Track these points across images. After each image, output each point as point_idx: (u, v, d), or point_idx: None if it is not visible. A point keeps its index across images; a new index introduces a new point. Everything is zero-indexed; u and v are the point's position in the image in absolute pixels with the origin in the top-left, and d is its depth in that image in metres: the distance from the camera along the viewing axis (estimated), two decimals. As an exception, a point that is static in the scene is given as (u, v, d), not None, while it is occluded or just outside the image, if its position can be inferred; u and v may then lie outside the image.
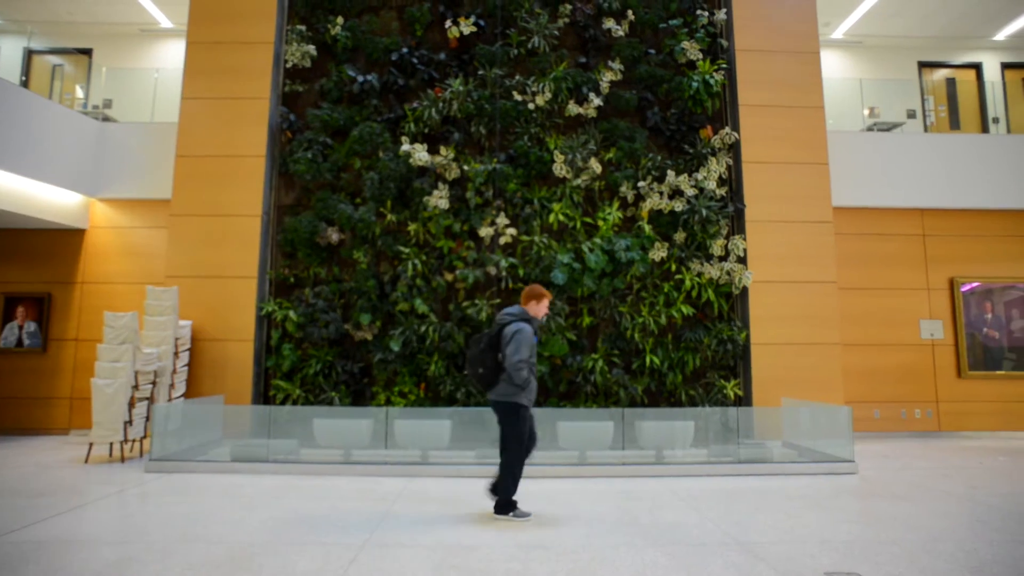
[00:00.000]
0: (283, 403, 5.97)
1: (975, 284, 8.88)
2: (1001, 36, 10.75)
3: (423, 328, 5.96)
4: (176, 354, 5.73)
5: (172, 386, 5.67)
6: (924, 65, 10.81)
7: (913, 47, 10.74)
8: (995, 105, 10.53)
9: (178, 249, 6.20)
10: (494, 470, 3.75)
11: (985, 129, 10.34)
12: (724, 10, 6.74)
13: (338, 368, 6.05)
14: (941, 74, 10.92)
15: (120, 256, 7.15)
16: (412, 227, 6.20)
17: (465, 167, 6.26)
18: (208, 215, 6.23)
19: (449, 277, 6.17)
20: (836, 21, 10.14)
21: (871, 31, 10.40)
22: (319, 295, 6.12)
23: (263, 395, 6.08)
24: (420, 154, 6.15)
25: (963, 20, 10.29)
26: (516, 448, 3.70)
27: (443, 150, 6.27)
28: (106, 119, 7.65)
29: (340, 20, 6.53)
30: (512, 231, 6.14)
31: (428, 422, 5.42)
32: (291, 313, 6.00)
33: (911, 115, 9.84)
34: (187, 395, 5.92)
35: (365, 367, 6.17)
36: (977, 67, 10.96)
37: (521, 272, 6.11)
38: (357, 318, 6.04)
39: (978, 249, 8.94)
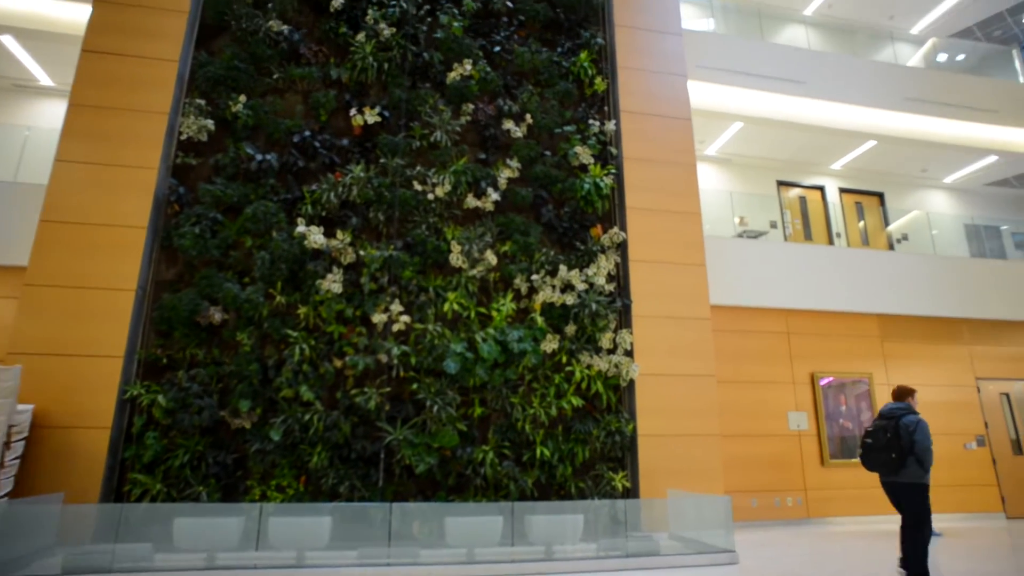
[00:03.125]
0: (139, 500, 5.32)
1: (831, 379, 9.80)
2: (837, 166, 12.63)
3: (307, 416, 5.64)
4: (7, 444, 5.00)
5: None
6: (781, 183, 12.37)
7: (772, 167, 12.29)
8: (837, 222, 12.17)
9: (29, 323, 5.56)
10: (376, 571, 3.52)
11: (831, 241, 11.85)
12: (613, 121, 7.39)
13: (209, 459, 5.53)
14: (795, 192, 12.52)
15: (-45, 328, 6.30)
16: (302, 310, 5.99)
17: (361, 252, 6.22)
18: (71, 286, 5.69)
19: (338, 363, 5.95)
20: (710, 140, 11.44)
21: (738, 151, 11.82)
22: (194, 378, 5.67)
23: (115, 491, 5.39)
24: (316, 236, 6.06)
25: (807, 150, 12.01)
26: (925, 524, 4.38)
27: (340, 234, 6.22)
28: (-42, 176, 6.95)
29: (243, 98, 6.48)
30: (406, 319, 6.10)
31: (306, 519, 5.02)
32: (160, 398, 5.48)
33: (773, 225, 11.11)
34: (15, 494, 5.11)
35: (240, 458, 5.69)
36: (822, 189, 12.69)
37: (413, 360, 6.01)
38: (236, 404, 5.62)
39: (832, 347, 9.95)
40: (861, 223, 12.80)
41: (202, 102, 6.42)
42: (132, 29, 6.47)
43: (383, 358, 5.95)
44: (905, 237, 12.69)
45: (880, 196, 13.17)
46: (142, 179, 6.07)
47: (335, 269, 6.12)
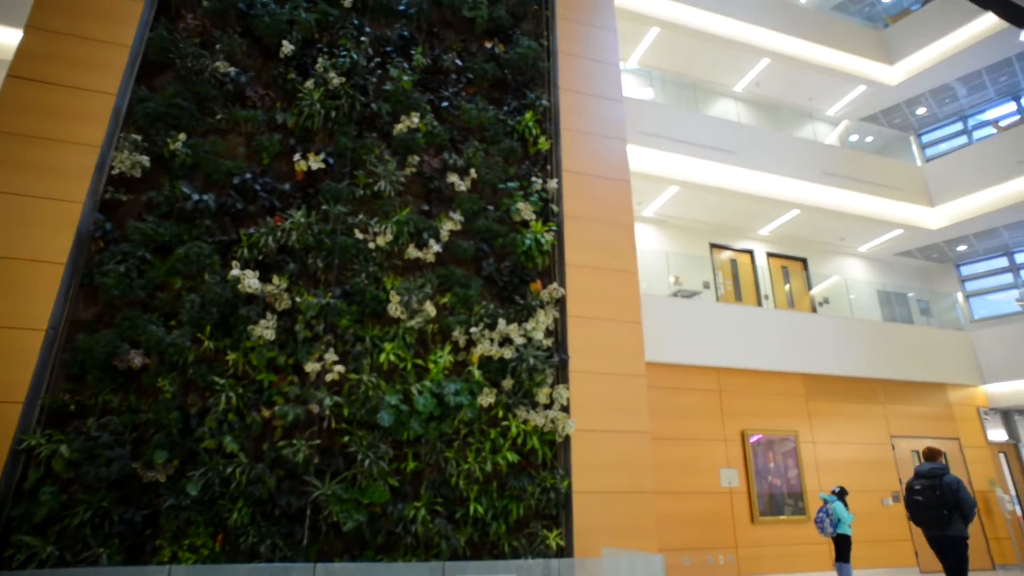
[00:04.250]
0: (24, 566, 4.82)
1: (760, 436, 10.10)
2: (765, 231, 13.39)
3: (229, 469, 5.33)
4: None
5: None
6: (714, 246, 12.99)
7: (705, 230, 12.91)
8: (765, 284, 12.83)
9: (-81, 364, 5.09)
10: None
11: (760, 303, 12.44)
12: (556, 180, 7.63)
13: (114, 516, 5.10)
14: (727, 255, 13.15)
15: None
16: (231, 356, 5.75)
17: (297, 299, 6.07)
18: (-28, 325, 5.27)
19: (266, 413, 5.70)
20: (647, 201, 11.94)
21: (674, 213, 12.37)
22: (105, 427, 5.28)
23: (-1, 554, 4.87)
24: (251, 280, 5.88)
25: (737, 216, 12.71)
26: (966, 571, 4.91)
27: (276, 279, 6.06)
28: None
29: (183, 137, 6.34)
30: (340, 368, 5.93)
31: (219, 583, 4.68)
32: (63, 448, 5.05)
33: (706, 286, 11.59)
34: None
35: (151, 515, 5.28)
36: (751, 253, 13.40)
37: (346, 412, 5.83)
38: (151, 455, 5.26)
39: (762, 405, 10.29)
40: (787, 286, 13.54)
41: (138, 137, 6.23)
42: (67, 59, 6.28)
43: (314, 409, 5.74)
44: (827, 301, 13.49)
45: (804, 261, 14.02)
46: (65, 213, 5.78)
47: (269, 315, 5.93)
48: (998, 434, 12.50)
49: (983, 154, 13.59)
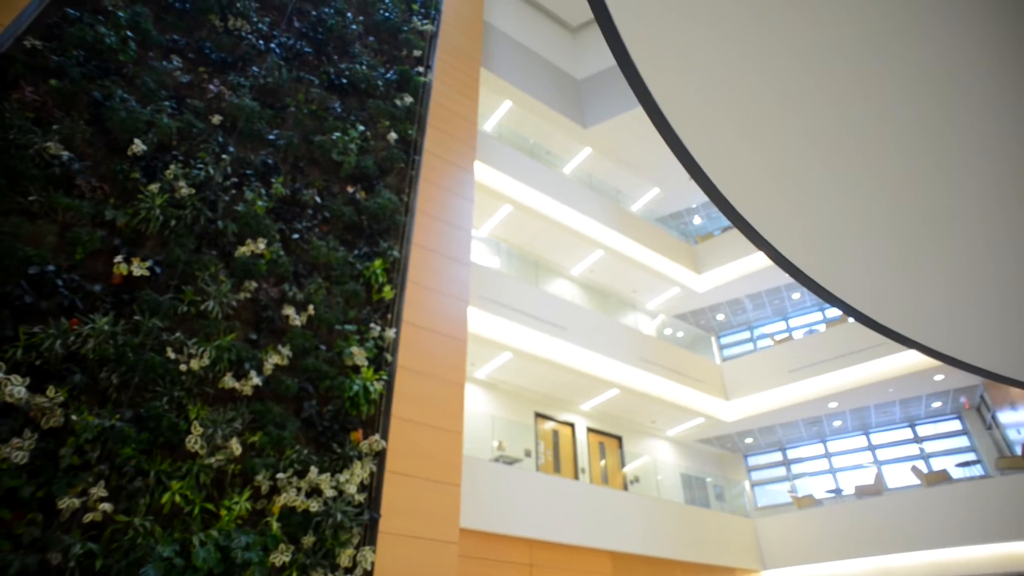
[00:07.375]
0: None
1: (565, 617, 9.83)
2: (587, 407, 14.25)
3: (-98, 636, 4.03)
4: None
5: None
6: (539, 415, 13.46)
7: (532, 399, 13.42)
8: (583, 458, 13.37)
9: None
10: None
11: (577, 476, 12.83)
12: (394, 330, 7.66)
13: None
14: (550, 425, 13.65)
15: None
16: (-45, 481, 4.62)
17: (74, 416, 5.18)
18: None
19: (-18, 561, 4.52)
20: (480, 364, 12.28)
21: (505, 379, 12.80)
22: None
23: None
24: (16, 388, 4.95)
25: (563, 388, 13.46)
26: None
27: (52, 390, 5.17)
28: None
29: (-22, 213, 5.56)
30: (107, 507, 4.97)
31: None
32: None
33: (528, 454, 11.79)
34: None
35: None
36: (572, 426, 14.05)
37: (99, 564, 4.78)
38: None
39: (570, 582, 10.15)
40: (603, 462, 14.20)
41: (-84, 205, 5.36)
42: None
43: (54, 559, 4.66)
44: (637, 479, 14.27)
45: (619, 439, 14.94)
46: None
47: (28, 432, 4.95)
48: (776, 622, 13.34)
49: (763, 362, 16.07)
